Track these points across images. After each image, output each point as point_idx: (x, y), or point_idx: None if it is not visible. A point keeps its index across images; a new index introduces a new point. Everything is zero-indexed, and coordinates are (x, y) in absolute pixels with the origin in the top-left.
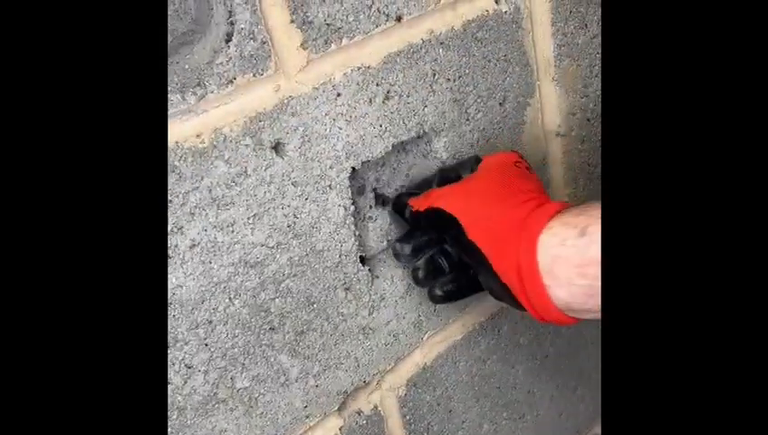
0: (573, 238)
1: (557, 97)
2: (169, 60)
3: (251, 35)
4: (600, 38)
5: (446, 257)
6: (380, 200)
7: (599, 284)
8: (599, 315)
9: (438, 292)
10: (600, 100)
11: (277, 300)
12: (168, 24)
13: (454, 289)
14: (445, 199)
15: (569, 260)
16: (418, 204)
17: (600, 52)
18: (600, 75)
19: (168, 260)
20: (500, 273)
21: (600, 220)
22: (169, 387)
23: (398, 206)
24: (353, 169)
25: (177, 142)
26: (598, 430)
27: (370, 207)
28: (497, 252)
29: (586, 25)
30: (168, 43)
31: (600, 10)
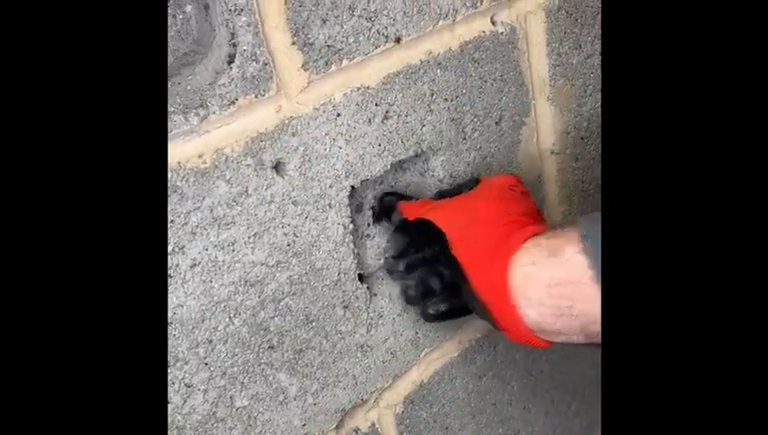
0: (543, 259)
1: (552, 116)
2: (172, 80)
3: (253, 57)
4: (593, 58)
5: (439, 278)
6: (377, 217)
7: (566, 304)
8: (570, 338)
9: (431, 311)
10: (593, 118)
11: (276, 318)
12: (171, 45)
13: (445, 309)
14: (435, 212)
15: (538, 280)
16: (410, 212)
17: (593, 72)
18: (593, 94)
19: (169, 280)
20: (477, 290)
21: (571, 242)
22: (169, 406)
23: (384, 205)
24: (352, 187)
25: (179, 163)
26: None
27: (368, 224)
28: (475, 269)
29: (580, 46)
30: (171, 63)
31: (593, 30)
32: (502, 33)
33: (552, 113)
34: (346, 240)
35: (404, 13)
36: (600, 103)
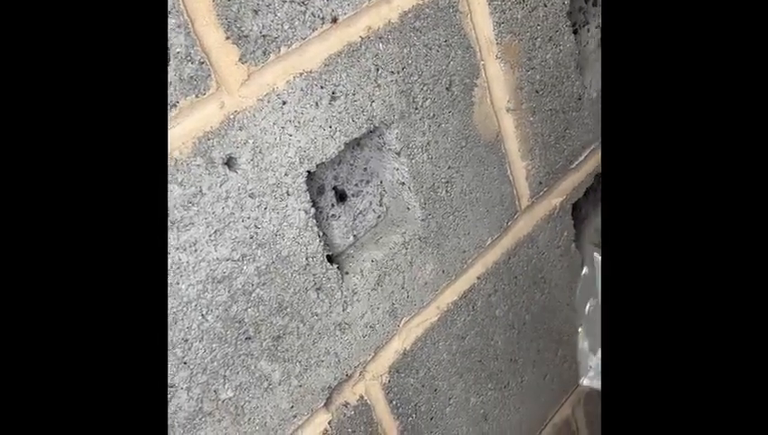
0: None
1: (503, 74)
2: None
3: (188, 58)
4: (538, 10)
5: None
6: (340, 196)
7: None
8: None
9: None
10: (546, 70)
11: (250, 310)
12: None
13: None
14: None
15: None
16: None
17: (540, 24)
18: (542, 47)
19: None
20: None
21: None
22: None
23: None
24: (309, 172)
25: None
26: (582, 380)
27: (332, 205)
28: None
29: (524, 0)
30: None
31: None
32: None
33: (503, 71)
34: (309, 224)
35: None
36: (550, 55)
